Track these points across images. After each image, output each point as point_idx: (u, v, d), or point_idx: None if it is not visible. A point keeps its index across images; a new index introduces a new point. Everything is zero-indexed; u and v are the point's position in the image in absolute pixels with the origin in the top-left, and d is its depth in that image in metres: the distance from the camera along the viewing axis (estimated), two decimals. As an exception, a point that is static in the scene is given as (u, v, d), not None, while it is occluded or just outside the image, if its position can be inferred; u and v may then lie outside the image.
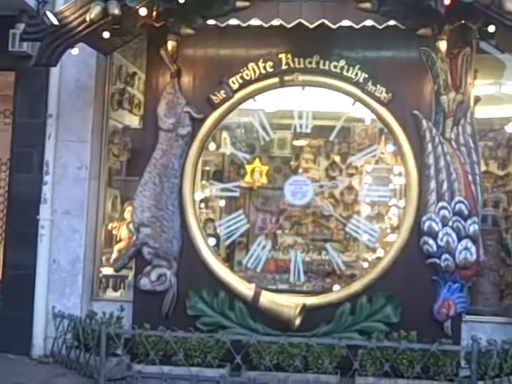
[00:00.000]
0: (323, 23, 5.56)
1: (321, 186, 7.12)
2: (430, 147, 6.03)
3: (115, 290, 7.01)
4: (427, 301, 5.93)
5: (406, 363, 5.63)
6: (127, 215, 7.02)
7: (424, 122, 6.04)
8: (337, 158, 7.65)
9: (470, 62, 6.00)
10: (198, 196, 6.61)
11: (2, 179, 7.46)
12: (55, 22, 5.59)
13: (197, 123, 6.26)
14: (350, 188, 7.51)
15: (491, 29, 5.61)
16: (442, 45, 5.74)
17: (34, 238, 6.64)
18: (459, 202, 5.96)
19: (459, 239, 5.93)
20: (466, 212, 5.94)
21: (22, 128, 6.80)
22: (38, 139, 6.71)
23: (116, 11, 5.44)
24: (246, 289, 6.17)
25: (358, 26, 5.65)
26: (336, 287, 6.44)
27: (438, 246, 5.94)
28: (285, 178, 6.68)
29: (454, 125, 6.01)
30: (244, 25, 5.76)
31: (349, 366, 5.72)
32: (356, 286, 6.15)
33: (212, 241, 6.63)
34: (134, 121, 7.44)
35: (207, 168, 7.39)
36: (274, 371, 5.71)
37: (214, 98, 6.25)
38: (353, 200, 7.44)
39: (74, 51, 5.93)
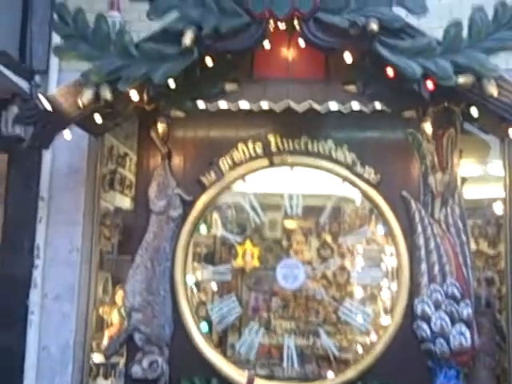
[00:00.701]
0: (311, 106, 5.71)
1: (313, 269, 7.11)
2: (419, 228, 6.05)
3: (106, 377, 6.88)
4: (424, 388, 5.78)
5: None
6: (118, 299, 6.96)
7: (413, 203, 6.08)
8: (328, 238, 7.64)
9: (456, 143, 6.09)
10: (190, 279, 6.55)
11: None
12: (48, 105, 5.71)
13: (187, 205, 6.29)
14: (342, 269, 7.47)
15: (474, 111, 5.72)
16: (427, 126, 5.87)
17: (23, 323, 6.54)
18: (451, 284, 5.92)
19: (453, 323, 5.85)
20: (458, 295, 5.89)
21: (14, 210, 6.82)
22: (29, 221, 6.72)
23: (108, 95, 5.57)
24: (239, 376, 6.04)
25: (345, 111, 5.81)
26: (330, 374, 6.28)
27: (432, 331, 5.85)
28: (277, 259, 6.66)
29: (442, 206, 6.05)
30: (233, 108, 5.91)
31: None
32: (351, 373, 6.04)
33: (204, 325, 6.51)
34: (125, 202, 7.49)
35: (198, 250, 7.36)
36: None
37: (204, 179, 6.31)
38: (345, 281, 7.37)
39: (67, 135, 6.01)
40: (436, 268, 5.96)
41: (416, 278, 6.00)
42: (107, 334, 6.97)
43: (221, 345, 7.02)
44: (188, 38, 5.40)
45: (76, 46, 5.67)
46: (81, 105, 5.64)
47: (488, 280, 6.91)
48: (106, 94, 5.58)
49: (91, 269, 6.83)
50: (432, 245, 6.01)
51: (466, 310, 5.86)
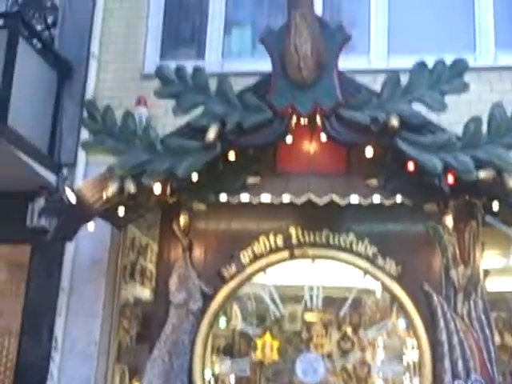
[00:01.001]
0: (332, 199, 5.76)
1: (333, 362, 6.99)
2: (442, 323, 5.94)
3: None
4: None
5: None
6: (135, 391, 6.84)
7: (435, 296, 6.00)
8: (348, 330, 7.52)
9: (477, 236, 6.07)
10: (208, 373, 6.45)
11: (10, 350, 7.34)
12: (74, 199, 5.79)
13: (208, 297, 6.24)
14: (362, 362, 7.33)
15: (495, 205, 5.74)
16: (449, 220, 5.90)
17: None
18: (476, 380, 5.76)
19: (479, 420, 5.71)
20: (483, 391, 5.76)
21: (34, 300, 6.82)
22: (48, 312, 6.71)
23: (132, 189, 5.66)
24: None
25: (365, 203, 5.84)
26: None
27: (457, 431, 5.71)
28: (296, 352, 6.57)
29: (465, 300, 5.97)
30: (255, 202, 5.96)
31: None
32: None
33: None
34: (145, 293, 7.43)
35: (217, 342, 7.26)
36: None
37: (225, 272, 6.28)
38: (366, 374, 7.22)
39: (90, 227, 6.06)
40: (460, 364, 5.81)
41: (439, 374, 5.84)
42: (122, 428, 6.82)
43: None
44: (212, 133, 5.53)
45: (103, 141, 5.81)
46: (105, 198, 5.73)
47: (514, 374, 6.77)
48: (131, 187, 5.67)
49: (108, 362, 6.77)
50: (455, 340, 5.88)
51: (492, 406, 5.71)
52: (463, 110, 6.17)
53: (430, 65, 5.56)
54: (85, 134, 6.54)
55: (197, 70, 5.81)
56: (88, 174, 6.79)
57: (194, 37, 7.69)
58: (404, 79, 5.56)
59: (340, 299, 6.54)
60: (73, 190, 5.85)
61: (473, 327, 5.90)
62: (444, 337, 5.91)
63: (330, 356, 7.11)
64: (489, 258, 6.33)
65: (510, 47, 7.00)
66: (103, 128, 5.79)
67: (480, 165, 5.41)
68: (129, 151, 5.72)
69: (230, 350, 7.34)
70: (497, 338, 6.49)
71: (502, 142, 5.44)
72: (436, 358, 5.90)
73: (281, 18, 6.17)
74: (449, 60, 5.55)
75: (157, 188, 5.77)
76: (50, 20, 7.99)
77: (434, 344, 5.93)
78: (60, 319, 6.71)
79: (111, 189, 5.70)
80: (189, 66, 5.90)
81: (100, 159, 6.17)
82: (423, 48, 6.70)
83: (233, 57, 7.51)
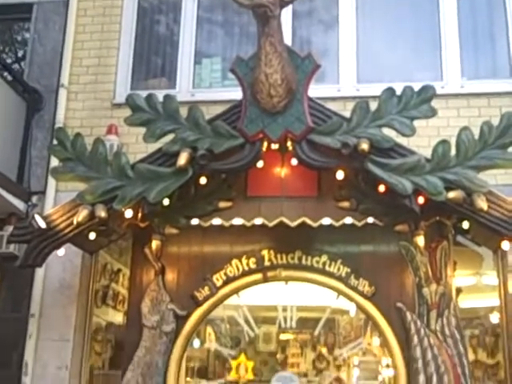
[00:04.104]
0: (304, 221, 5.77)
1: (308, 381, 7.01)
2: (416, 340, 5.98)
3: None
4: None
5: None
6: (108, 415, 6.78)
7: (408, 314, 6.04)
8: (323, 350, 7.56)
9: (449, 255, 6.12)
10: (183, 394, 6.45)
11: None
12: (43, 225, 5.73)
13: (181, 320, 6.22)
14: (338, 380, 7.35)
15: (465, 225, 5.81)
16: (420, 240, 5.92)
17: None
18: (450, 396, 5.85)
19: None
20: (458, 405, 5.81)
21: (3, 326, 6.72)
22: (18, 337, 6.62)
23: (102, 214, 5.62)
24: None
25: (337, 225, 5.87)
26: None
27: None
28: (271, 372, 6.57)
29: (438, 317, 6.01)
30: (227, 225, 5.97)
31: None
32: None
33: None
34: (117, 317, 7.37)
35: (191, 364, 7.26)
36: None
37: (198, 294, 6.26)
38: (342, 394, 7.27)
39: (60, 252, 6.00)
40: (434, 379, 5.85)
41: (414, 390, 5.90)
42: None
43: None
44: (183, 159, 5.52)
45: (73, 168, 5.77)
46: (75, 223, 5.69)
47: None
48: (101, 212, 5.63)
49: (80, 384, 6.69)
50: (429, 356, 5.92)
51: (467, 421, 5.75)
52: (432, 134, 6.28)
53: (399, 91, 5.60)
54: (55, 162, 6.50)
55: (167, 98, 5.81)
56: (58, 201, 6.71)
57: (165, 67, 7.66)
58: (373, 106, 5.59)
59: (314, 319, 6.58)
60: (42, 217, 5.78)
61: (446, 343, 5.95)
62: (418, 353, 5.95)
63: (305, 375, 7.11)
64: (461, 276, 6.39)
65: (475, 75, 7.13)
66: (73, 155, 5.76)
67: (449, 186, 5.46)
68: (100, 178, 5.69)
69: (204, 371, 7.34)
70: (471, 355, 6.54)
71: (469, 165, 5.49)
72: (411, 375, 5.93)
73: (251, 48, 6.19)
74: (417, 87, 5.59)
75: (128, 213, 5.76)
76: (20, 53, 8.15)
77: (409, 360, 5.97)
78: (30, 344, 6.63)
79: (82, 214, 5.65)
80: (159, 95, 5.92)
81: (71, 186, 6.14)
82: (391, 76, 6.79)
83: (203, 86, 7.51)
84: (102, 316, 7.19)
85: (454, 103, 6.92)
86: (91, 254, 6.68)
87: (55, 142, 5.92)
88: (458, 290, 6.24)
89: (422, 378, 5.89)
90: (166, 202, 5.74)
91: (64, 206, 5.86)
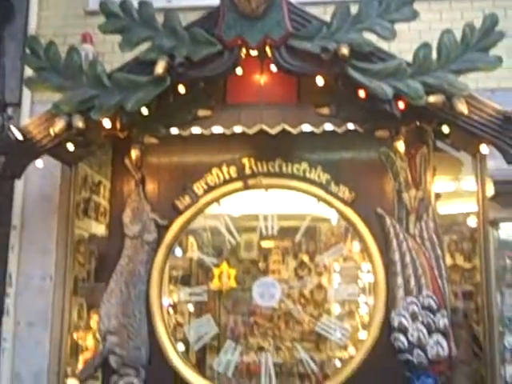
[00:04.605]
0: (284, 128, 5.74)
1: (289, 287, 7.15)
2: (394, 244, 6.11)
3: (81, 402, 6.82)
4: (402, 398, 5.85)
5: None
6: (93, 324, 6.90)
7: (387, 219, 6.13)
8: (305, 258, 7.67)
9: (429, 160, 6.16)
10: (166, 301, 6.55)
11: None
12: (20, 136, 5.67)
13: (162, 229, 6.28)
14: (319, 287, 7.51)
15: (445, 129, 5.83)
16: (400, 145, 5.94)
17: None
18: (427, 296, 5.99)
19: (430, 334, 5.92)
20: (434, 306, 5.96)
21: (-14, 237, 6.78)
22: (1, 250, 6.69)
23: (80, 124, 5.57)
24: (218, 394, 6.03)
25: (318, 131, 5.85)
26: (309, 388, 6.36)
27: (409, 342, 5.91)
28: (254, 280, 6.65)
29: (416, 221, 6.11)
30: (207, 133, 5.93)
31: None
32: (330, 386, 6.05)
33: (181, 346, 6.53)
34: (100, 229, 7.42)
35: (175, 273, 7.35)
36: None
37: (178, 203, 6.29)
38: (322, 299, 7.42)
39: (39, 163, 5.98)
40: (412, 281, 6.02)
41: (392, 292, 6.04)
42: (82, 358, 6.90)
43: (199, 365, 7.02)
44: (160, 67, 5.42)
45: (48, 77, 5.66)
46: (53, 134, 5.64)
47: (465, 293, 7.01)
48: (78, 123, 5.58)
49: (65, 295, 6.73)
50: (407, 259, 6.06)
51: (443, 321, 5.93)
52: (413, 38, 6.16)
53: (380, -6, 5.51)
54: (29, 73, 6.33)
55: (143, 4, 5.65)
56: (34, 112, 6.65)
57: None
58: (354, 10, 5.50)
59: (295, 228, 6.61)
60: (18, 128, 5.71)
61: (424, 247, 6.07)
62: (397, 257, 6.08)
63: (286, 282, 7.25)
64: (440, 182, 6.45)
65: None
66: (47, 64, 5.63)
67: (430, 90, 5.45)
68: (75, 87, 5.60)
69: (187, 279, 7.44)
70: (448, 259, 6.70)
71: (451, 68, 5.47)
72: (389, 278, 6.08)
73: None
74: (397, -11, 5.50)
75: (106, 123, 5.70)
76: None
77: (388, 264, 6.10)
78: (13, 256, 6.71)
79: (58, 125, 5.59)
80: (134, 1, 5.75)
81: (46, 97, 6.05)
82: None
83: (180, -9, 7.30)
84: (84, 228, 7.25)
85: (436, 6, 6.85)
86: (70, 165, 6.64)
87: (28, 51, 5.77)
88: (437, 196, 6.29)
89: (399, 280, 6.03)
90: (144, 111, 5.69)
91: (40, 117, 5.78)
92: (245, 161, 6.29)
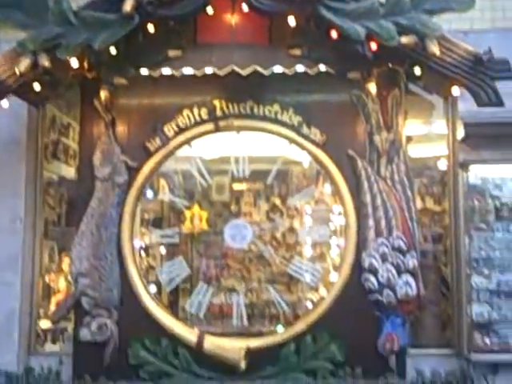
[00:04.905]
0: (256, 70, 5.67)
1: (261, 229, 7.17)
2: (366, 186, 6.16)
3: (54, 342, 6.86)
4: (371, 337, 5.99)
5: (352, 400, 5.64)
6: (65, 266, 6.91)
7: (359, 161, 6.17)
8: (277, 201, 7.67)
9: (400, 103, 6.17)
10: (137, 243, 6.55)
11: None
12: (-18, 75, 5.54)
13: (133, 171, 6.25)
14: (290, 229, 7.54)
15: (417, 71, 5.80)
16: (372, 87, 5.94)
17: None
18: (397, 237, 6.10)
19: (399, 274, 6.05)
20: (404, 247, 6.07)
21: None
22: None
23: (46, 63, 5.45)
24: (190, 334, 6.12)
25: (289, 73, 5.80)
26: (280, 328, 6.43)
27: (379, 283, 6.04)
28: (225, 222, 6.68)
29: (388, 163, 6.17)
30: (177, 74, 5.84)
31: (296, 406, 5.68)
32: (300, 326, 6.16)
33: (153, 288, 6.57)
34: (69, 172, 7.30)
35: (146, 216, 7.33)
36: (222, 416, 5.65)
37: (149, 145, 6.25)
38: (294, 241, 7.45)
39: (4, 103, 5.86)
40: (382, 223, 6.11)
41: (363, 234, 6.14)
42: (54, 300, 6.94)
43: (172, 308, 7.06)
44: (128, 5, 5.31)
45: (11, 15, 5.52)
46: (18, 73, 5.50)
47: (434, 236, 7.10)
48: (44, 61, 5.46)
49: (35, 237, 6.76)
50: (378, 201, 6.14)
51: (412, 262, 6.05)
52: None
53: None
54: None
55: None
56: (-1, 51, 6.44)
57: None
58: None
59: (267, 170, 6.61)
60: (-18, 66, 5.57)
61: (395, 189, 6.15)
62: (368, 199, 6.15)
63: (258, 224, 7.26)
64: (411, 125, 6.47)
65: None
66: (10, 0, 5.48)
67: (402, 31, 5.42)
68: (40, 25, 5.46)
69: (159, 222, 7.43)
70: (419, 203, 6.75)
71: (424, 8, 5.45)
72: (360, 220, 6.16)
73: None
74: None
75: (73, 62, 5.59)
76: None
77: (359, 206, 6.17)
78: (-18, 198, 6.61)
79: (23, 64, 5.47)
80: None
81: (11, 36, 5.84)
82: None
83: None
84: (53, 171, 7.16)
85: None
86: (38, 106, 6.54)
87: (-12, -14, 5.59)
88: (408, 139, 6.32)
89: (370, 222, 6.12)
90: (112, 50, 5.58)
91: (5, 56, 5.65)
92: (216, 102, 6.23)
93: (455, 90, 5.77)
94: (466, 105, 6.01)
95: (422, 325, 6.67)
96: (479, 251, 6.56)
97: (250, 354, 5.99)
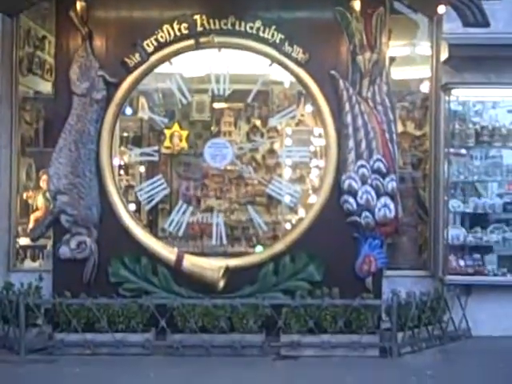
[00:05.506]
0: (238, -16, 5.53)
1: (241, 148, 7.12)
2: (347, 107, 6.10)
3: (33, 260, 6.85)
4: (349, 258, 6.06)
5: (329, 319, 5.75)
6: (43, 184, 6.83)
7: (341, 81, 6.08)
8: (257, 122, 7.60)
9: (385, 22, 6.06)
10: (117, 162, 6.52)
11: None
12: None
13: (112, 87, 6.12)
14: (271, 151, 7.51)
15: (403, -12, 5.68)
16: (356, 5, 5.85)
17: None
18: (377, 160, 6.08)
19: (378, 197, 6.06)
20: (384, 170, 6.07)
21: None
22: None
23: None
24: (169, 253, 6.14)
25: (273, -13, 5.66)
26: (259, 248, 6.49)
27: (358, 204, 6.06)
28: (205, 142, 6.62)
29: (370, 84, 6.09)
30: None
31: (273, 324, 5.79)
32: (279, 246, 6.21)
33: (132, 206, 6.56)
34: (46, 87, 7.13)
35: (125, 134, 7.25)
36: (200, 333, 5.73)
37: (128, 61, 6.11)
38: (274, 163, 7.44)
39: (-23, 13, 5.68)
40: (363, 145, 6.08)
41: (343, 155, 6.11)
42: (33, 217, 6.89)
43: (151, 227, 7.09)
44: None
45: None
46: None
47: (413, 161, 7.10)
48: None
49: (12, 154, 6.62)
50: (359, 122, 6.09)
51: (391, 184, 6.06)
52: None
53: None
54: None
55: None
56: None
57: None
58: None
59: (248, 90, 6.51)
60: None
61: (376, 110, 6.10)
62: (349, 119, 6.09)
63: (238, 144, 7.21)
64: (395, 46, 6.38)
65: None
66: None
67: None
68: None
69: (138, 141, 7.36)
70: (400, 127, 6.73)
71: None
72: (341, 141, 6.12)
73: None
74: None
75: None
76: None
77: (340, 127, 6.11)
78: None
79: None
80: None
81: None
82: None
83: None
84: (29, 85, 6.99)
85: None
86: (11, 17, 6.34)
87: None
88: (392, 59, 6.26)
89: (351, 143, 6.09)
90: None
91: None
92: (197, 17, 6.06)
93: (441, 8, 5.66)
94: (451, 25, 5.94)
95: (398, 247, 6.77)
96: (458, 176, 6.60)
97: (229, 273, 6.04)
